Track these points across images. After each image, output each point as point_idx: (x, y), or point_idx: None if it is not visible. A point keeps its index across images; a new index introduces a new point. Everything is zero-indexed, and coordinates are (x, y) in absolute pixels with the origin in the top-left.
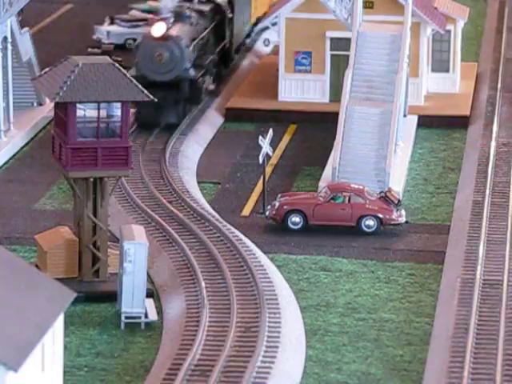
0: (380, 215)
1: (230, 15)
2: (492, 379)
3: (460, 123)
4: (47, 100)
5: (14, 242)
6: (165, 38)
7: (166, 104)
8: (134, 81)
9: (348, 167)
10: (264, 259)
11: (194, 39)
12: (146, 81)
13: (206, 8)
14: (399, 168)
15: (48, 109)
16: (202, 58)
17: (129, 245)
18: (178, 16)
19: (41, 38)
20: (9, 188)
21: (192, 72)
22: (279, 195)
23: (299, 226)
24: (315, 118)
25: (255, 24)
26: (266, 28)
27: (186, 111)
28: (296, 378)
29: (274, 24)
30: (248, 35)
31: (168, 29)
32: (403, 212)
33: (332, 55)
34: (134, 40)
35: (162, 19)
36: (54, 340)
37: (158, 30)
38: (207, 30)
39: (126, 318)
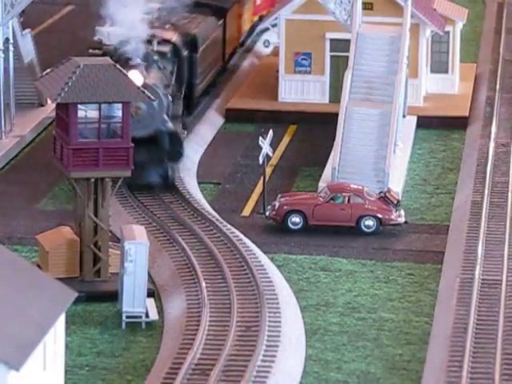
0: (379, 215)
1: (188, 55)
2: (490, 378)
3: (459, 124)
4: (48, 101)
5: (16, 242)
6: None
7: (147, 163)
8: (135, 81)
9: (348, 168)
10: (264, 259)
11: (167, 86)
12: None
13: (165, 49)
14: (398, 168)
15: (49, 109)
16: (174, 106)
17: (130, 245)
18: (146, 61)
19: (42, 39)
20: (11, 188)
21: (170, 124)
22: (279, 195)
23: (299, 226)
24: (315, 119)
25: (228, 60)
26: (266, 29)
27: (174, 169)
28: (296, 377)
29: (273, 25)
30: (220, 73)
31: (144, 77)
32: (402, 212)
33: (332, 56)
34: None
35: (133, 66)
36: (55, 339)
37: (135, 80)
38: (174, 75)
39: (127, 317)
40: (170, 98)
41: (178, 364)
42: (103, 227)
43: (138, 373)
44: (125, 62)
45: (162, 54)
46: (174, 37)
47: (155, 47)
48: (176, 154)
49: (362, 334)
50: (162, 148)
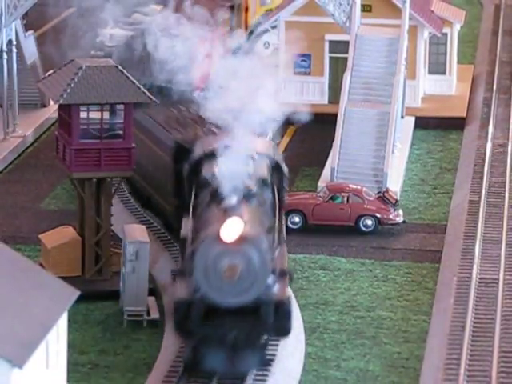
0: (378, 215)
1: (286, 171)
2: (488, 376)
3: (456, 124)
4: (51, 102)
5: (19, 241)
6: (239, 240)
7: (241, 342)
8: (137, 83)
9: (346, 168)
10: None
11: (269, 230)
12: (208, 306)
13: (265, 172)
14: (397, 168)
15: (52, 110)
16: (279, 256)
17: (131, 244)
18: (245, 197)
19: (45, 40)
20: (14, 188)
21: (276, 288)
22: None
23: (299, 226)
24: (314, 120)
25: None
26: (266, 31)
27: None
28: (296, 375)
29: (273, 27)
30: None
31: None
32: (400, 212)
33: (331, 57)
34: None
35: (230, 210)
36: (57, 337)
37: (232, 231)
38: (277, 205)
39: (129, 315)
40: (275, 248)
41: (179, 362)
42: (105, 227)
43: (140, 371)
44: (219, 201)
45: (262, 182)
46: (269, 146)
47: (251, 170)
48: (281, 328)
49: (361, 332)
50: (263, 322)
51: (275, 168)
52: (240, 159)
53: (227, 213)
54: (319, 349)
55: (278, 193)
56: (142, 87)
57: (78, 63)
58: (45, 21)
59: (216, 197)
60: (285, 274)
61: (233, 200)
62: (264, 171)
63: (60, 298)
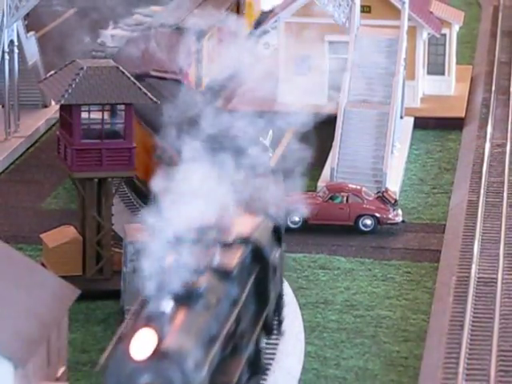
0: (377, 215)
1: (277, 259)
2: (486, 374)
3: (455, 125)
4: (52, 102)
5: (21, 240)
6: (155, 356)
7: None
8: (138, 83)
9: (346, 168)
10: None
11: (212, 339)
12: None
13: (231, 263)
14: (396, 168)
15: (53, 110)
16: (228, 368)
17: (132, 243)
18: (184, 298)
19: (46, 41)
20: (15, 188)
21: None
22: None
23: (298, 226)
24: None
25: None
26: (267, 31)
27: None
28: (295, 374)
29: (273, 28)
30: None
31: (160, 339)
32: (400, 211)
33: (330, 58)
34: None
35: (149, 320)
36: (58, 336)
37: (142, 347)
38: (239, 306)
39: None
40: (206, 367)
41: None
42: (106, 226)
43: None
44: (141, 305)
45: (221, 276)
46: (252, 227)
47: (216, 261)
48: None
49: (360, 331)
50: None
51: (256, 256)
52: (196, 248)
53: (145, 322)
54: (319, 348)
55: (260, 286)
56: (142, 87)
57: (79, 64)
58: (46, 22)
59: (143, 300)
60: None
61: (160, 305)
62: (232, 261)
63: (61, 297)
